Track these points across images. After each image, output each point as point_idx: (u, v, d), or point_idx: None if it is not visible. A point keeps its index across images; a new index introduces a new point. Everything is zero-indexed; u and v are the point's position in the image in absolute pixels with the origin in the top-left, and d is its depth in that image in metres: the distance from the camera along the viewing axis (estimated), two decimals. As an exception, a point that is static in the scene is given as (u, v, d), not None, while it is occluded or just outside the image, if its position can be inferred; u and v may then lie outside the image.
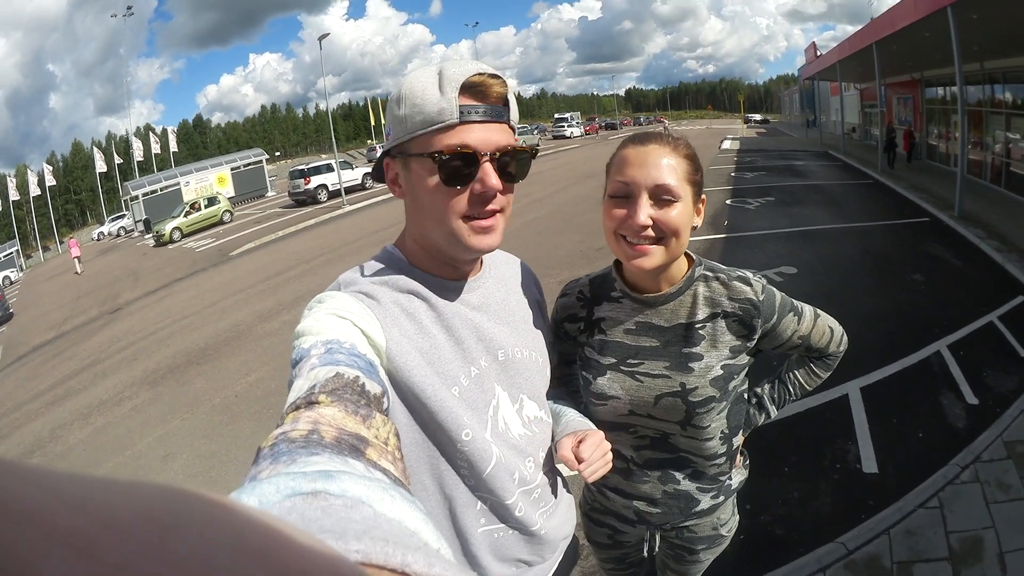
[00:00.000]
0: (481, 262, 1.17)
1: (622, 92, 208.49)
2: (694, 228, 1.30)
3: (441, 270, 1.08)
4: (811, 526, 3.22)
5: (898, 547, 2.96)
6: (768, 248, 9.31)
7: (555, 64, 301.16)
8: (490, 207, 1.01)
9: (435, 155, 0.96)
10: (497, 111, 0.99)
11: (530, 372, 1.17)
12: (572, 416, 1.29)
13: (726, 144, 32.72)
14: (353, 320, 0.91)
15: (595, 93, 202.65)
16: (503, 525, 1.09)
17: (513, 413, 1.12)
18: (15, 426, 7.85)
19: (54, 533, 0.15)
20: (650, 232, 1.23)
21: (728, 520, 1.59)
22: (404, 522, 0.39)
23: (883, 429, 4.05)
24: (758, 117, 74.75)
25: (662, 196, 1.22)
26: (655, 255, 1.25)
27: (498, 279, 1.19)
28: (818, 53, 32.04)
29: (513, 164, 1.03)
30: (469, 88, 0.96)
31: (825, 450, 3.91)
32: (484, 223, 1.01)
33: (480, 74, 0.97)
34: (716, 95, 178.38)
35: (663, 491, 1.46)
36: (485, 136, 0.97)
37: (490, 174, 0.98)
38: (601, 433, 1.20)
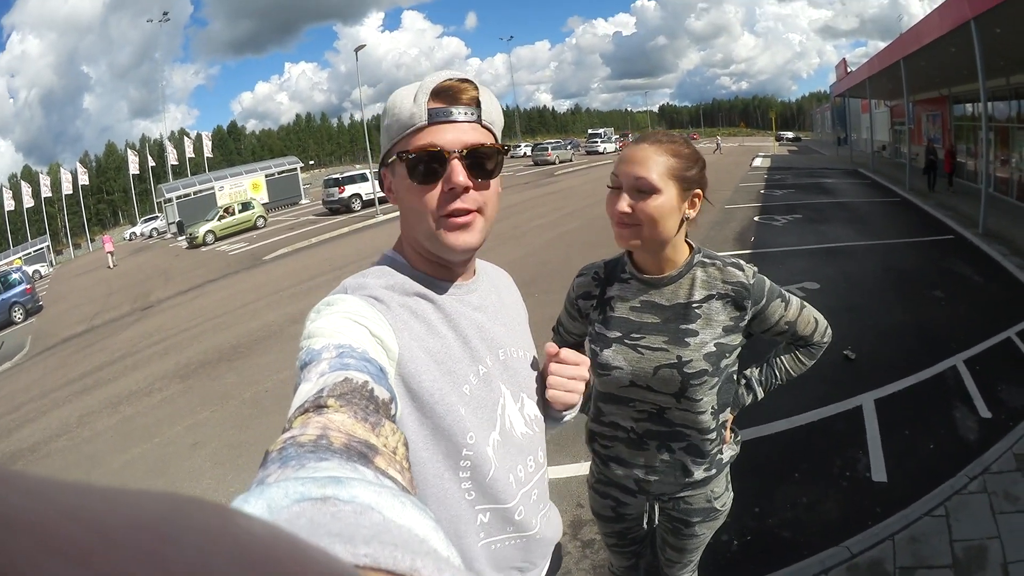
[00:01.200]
0: (475, 267, 1.20)
1: (655, 108, 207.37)
2: (687, 219, 1.50)
3: (439, 272, 1.11)
4: (817, 530, 3.27)
5: (902, 553, 3.00)
6: (792, 264, 9.34)
7: (589, 79, 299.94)
8: (464, 205, 1.03)
9: (404, 155, 1.03)
10: (467, 112, 1.03)
11: (528, 371, 1.21)
12: None
13: (757, 161, 32.57)
14: (368, 326, 0.92)
15: (629, 109, 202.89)
16: (502, 535, 1.10)
17: (516, 411, 1.15)
18: (42, 411, 8.04)
19: (49, 543, 0.14)
20: (627, 219, 1.45)
21: (722, 494, 1.72)
22: (414, 529, 0.39)
23: (894, 440, 4.08)
24: (790, 135, 73.83)
25: (641, 188, 1.43)
26: (629, 236, 1.48)
27: (490, 283, 1.24)
28: (848, 70, 31.84)
29: (486, 161, 1.06)
30: (439, 93, 1.02)
31: (836, 459, 3.95)
32: (459, 220, 1.03)
33: (451, 79, 1.03)
34: (749, 112, 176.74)
35: (660, 459, 1.61)
36: (454, 136, 1.02)
37: (457, 171, 1.01)
38: (587, 360, 1.21)
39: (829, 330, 1.69)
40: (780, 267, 9.17)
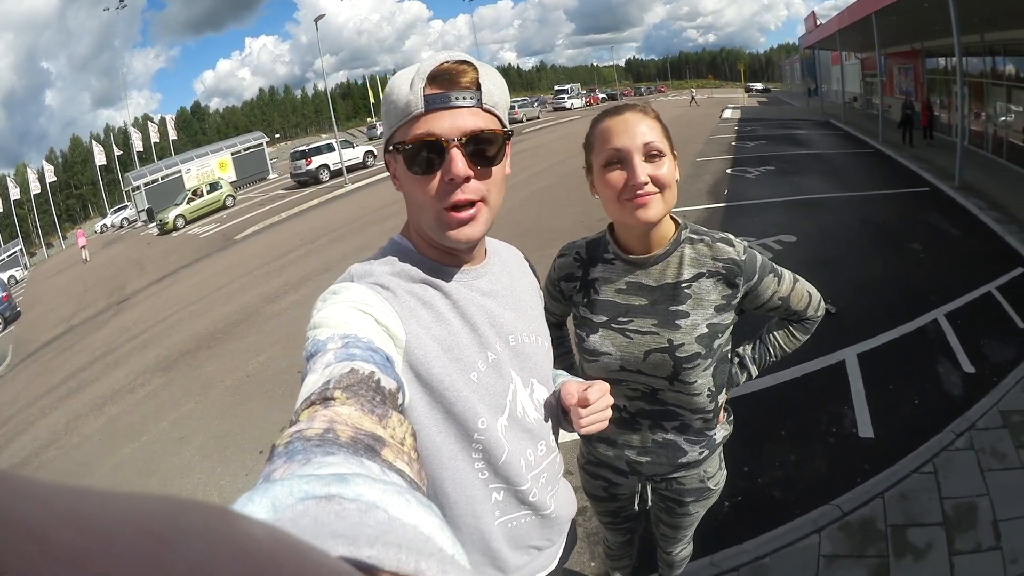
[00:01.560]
0: (486, 249, 1.18)
1: (622, 63, 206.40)
2: (677, 182, 1.41)
3: (447, 258, 1.09)
4: (807, 489, 3.30)
5: (892, 511, 3.03)
6: (767, 216, 9.37)
7: (554, 36, 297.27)
8: (465, 196, 1.00)
9: (400, 145, 1.00)
10: (466, 96, 0.98)
11: (538, 356, 1.18)
12: (565, 375, 1.35)
13: (727, 113, 32.55)
14: (373, 314, 0.91)
15: (595, 64, 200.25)
16: (517, 513, 1.11)
17: (527, 397, 1.14)
18: (30, 422, 7.90)
19: (47, 547, 0.14)
20: (649, 188, 1.34)
21: (715, 474, 1.70)
22: (419, 527, 0.38)
23: (879, 395, 4.12)
24: (759, 86, 73.70)
25: (651, 153, 1.35)
26: (656, 205, 1.36)
27: (502, 266, 1.21)
28: (818, 22, 31.68)
29: (488, 148, 1.01)
30: (436, 78, 0.97)
31: (821, 415, 3.99)
32: (461, 215, 1.00)
33: (448, 62, 0.98)
34: (717, 64, 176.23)
35: (652, 440, 1.57)
36: (452, 123, 0.97)
37: (456, 160, 0.97)
38: (607, 386, 1.20)
39: (823, 304, 1.65)
40: (755, 219, 9.23)
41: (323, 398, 0.67)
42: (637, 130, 1.35)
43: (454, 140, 0.97)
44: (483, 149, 1.01)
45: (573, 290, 1.57)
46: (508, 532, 1.10)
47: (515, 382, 1.11)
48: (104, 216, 47.30)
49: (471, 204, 1.01)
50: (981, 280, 5.92)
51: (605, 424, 1.18)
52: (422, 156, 0.98)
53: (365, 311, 0.90)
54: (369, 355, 0.78)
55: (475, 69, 1.00)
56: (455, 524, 1.04)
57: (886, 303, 5.61)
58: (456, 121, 0.98)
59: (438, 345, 1.00)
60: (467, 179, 0.99)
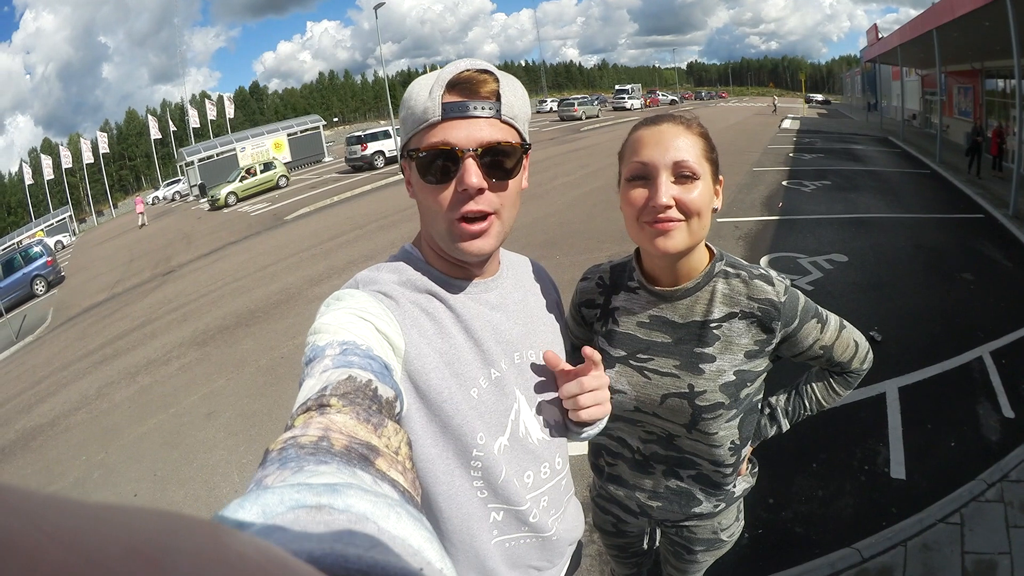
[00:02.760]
0: (499, 262, 1.15)
1: (683, 65, 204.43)
2: (715, 211, 1.26)
3: (456, 270, 1.07)
4: (831, 527, 3.21)
5: (912, 561, 2.93)
6: (821, 233, 9.14)
7: (616, 35, 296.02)
8: (478, 207, 0.97)
9: (415, 153, 0.98)
10: (485, 106, 0.96)
11: (548, 373, 1.13)
12: None
13: (786, 123, 31.81)
14: (374, 322, 0.90)
15: (656, 65, 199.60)
16: (517, 534, 1.07)
17: (532, 417, 1.10)
18: (62, 384, 8.15)
19: (35, 568, 0.14)
20: (673, 213, 1.19)
21: (730, 526, 1.58)
22: (408, 540, 0.38)
23: (916, 434, 3.98)
24: (820, 97, 71.88)
25: (682, 174, 1.20)
26: (678, 236, 1.20)
27: (515, 279, 1.17)
28: (879, 35, 30.83)
29: (504, 161, 0.99)
30: (455, 86, 0.96)
31: (856, 450, 3.87)
32: (473, 227, 0.98)
33: (468, 70, 0.96)
34: (778, 73, 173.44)
35: (665, 486, 1.46)
36: (468, 133, 0.95)
37: (470, 171, 0.95)
38: (605, 378, 1.14)
39: (871, 354, 1.45)
40: (808, 236, 9.03)
41: (319, 404, 0.67)
42: (671, 145, 1.20)
43: (469, 150, 0.95)
44: (499, 161, 0.99)
45: (593, 317, 1.46)
46: (506, 552, 1.07)
47: (519, 401, 1.07)
48: (156, 189, 48.66)
49: (484, 217, 0.99)
50: (1031, 318, 5.67)
51: (604, 411, 1.12)
52: (437, 165, 0.97)
53: (366, 319, 0.90)
54: (367, 363, 0.78)
55: (496, 79, 0.98)
56: (449, 540, 1.02)
57: (932, 335, 5.42)
58: (473, 131, 0.96)
59: (439, 358, 0.98)
60: (481, 191, 0.97)
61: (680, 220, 1.20)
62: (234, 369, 6.88)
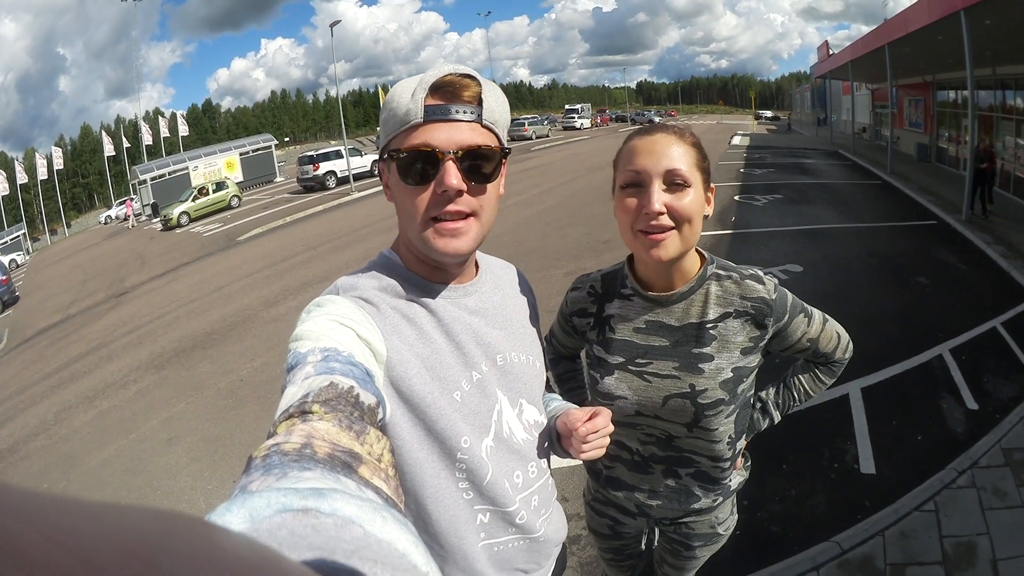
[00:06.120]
0: (477, 267, 1.16)
1: (633, 85, 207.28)
2: (705, 218, 1.30)
3: (435, 274, 1.07)
4: (807, 524, 3.24)
5: (892, 549, 2.98)
6: (774, 245, 9.33)
7: (567, 55, 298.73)
8: (456, 208, 0.98)
9: (395, 153, 0.98)
10: (466, 110, 0.97)
11: (528, 376, 1.16)
12: (560, 401, 1.31)
13: (736, 140, 32.57)
14: (355, 328, 0.90)
15: (606, 85, 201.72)
16: (505, 536, 1.08)
17: (515, 418, 1.11)
18: (20, 408, 7.85)
19: (28, 566, 0.14)
20: (664, 220, 1.22)
21: (726, 519, 1.62)
22: (394, 544, 0.38)
23: (882, 430, 4.07)
24: (769, 113, 73.92)
25: (674, 181, 1.23)
26: (671, 244, 1.24)
27: (494, 284, 1.18)
28: (830, 52, 31.87)
29: (483, 164, 1.00)
30: (438, 89, 0.96)
31: (824, 449, 3.94)
32: (450, 225, 0.98)
33: (452, 74, 0.96)
34: (728, 90, 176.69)
35: (665, 484, 1.48)
36: (449, 135, 0.96)
37: (450, 173, 0.95)
38: (609, 413, 1.17)
39: (851, 345, 1.53)
40: (762, 248, 9.19)
41: (301, 411, 0.67)
42: (664, 153, 1.24)
43: (450, 153, 0.96)
44: (479, 165, 0.99)
45: (586, 327, 1.47)
46: (494, 555, 1.07)
47: (501, 402, 1.08)
48: (109, 207, 47.53)
49: (462, 217, 0.99)
50: (986, 316, 5.90)
51: (603, 451, 1.14)
52: (416, 167, 0.97)
53: (347, 325, 0.89)
54: (349, 369, 0.78)
55: (478, 84, 0.98)
56: (438, 542, 1.02)
57: (891, 337, 5.56)
58: (454, 134, 0.96)
59: (420, 363, 0.98)
60: (460, 193, 0.97)
61: (671, 228, 1.23)
62: (193, 393, 6.70)
